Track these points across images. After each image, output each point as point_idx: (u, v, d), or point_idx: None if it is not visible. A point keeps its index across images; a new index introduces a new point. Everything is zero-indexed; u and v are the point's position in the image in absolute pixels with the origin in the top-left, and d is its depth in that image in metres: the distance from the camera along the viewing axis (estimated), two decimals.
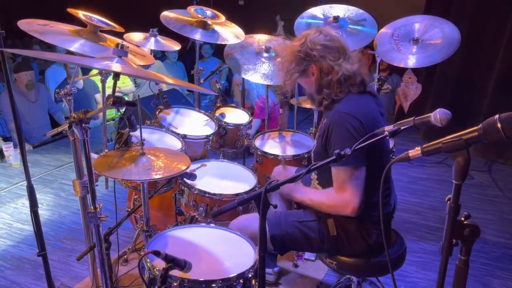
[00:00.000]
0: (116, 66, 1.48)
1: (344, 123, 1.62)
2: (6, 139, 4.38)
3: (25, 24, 1.70)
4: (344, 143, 1.53)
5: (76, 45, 1.75)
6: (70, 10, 1.90)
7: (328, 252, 1.84)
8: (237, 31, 2.84)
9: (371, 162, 1.64)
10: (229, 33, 2.79)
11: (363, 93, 1.74)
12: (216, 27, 2.76)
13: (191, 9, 2.68)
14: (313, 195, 1.82)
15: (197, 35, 2.66)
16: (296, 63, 1.75)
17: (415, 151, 1.07)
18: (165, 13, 2.70)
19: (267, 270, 2.34)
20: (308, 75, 1.76)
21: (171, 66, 5.82)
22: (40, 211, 2.00)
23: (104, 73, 2.43)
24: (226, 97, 2.96)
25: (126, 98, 1.72)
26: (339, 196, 1.66)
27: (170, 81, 1.68)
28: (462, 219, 1.03)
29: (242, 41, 2.80)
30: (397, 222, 2.20)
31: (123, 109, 1.70)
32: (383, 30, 2.98)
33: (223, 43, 2.76)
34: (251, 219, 1.88)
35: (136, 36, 2.78)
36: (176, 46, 2.89)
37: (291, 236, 1.81)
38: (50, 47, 6.12)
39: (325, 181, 1.80)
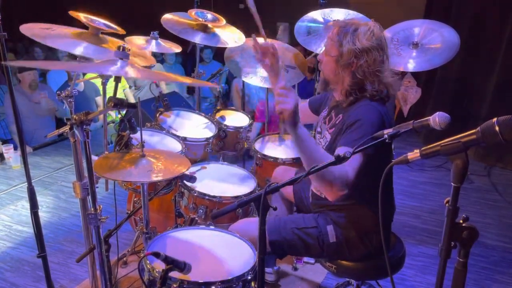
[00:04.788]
0: (128, 70, 1.46)
1: (378, 114, 1.62)
2: (5, 142, 4.38)
3: (27, 29, 1.70)
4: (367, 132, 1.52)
5: (77, 48, 1.76)
6: (71, 12, 1.91)
7: (328, 258, 1.84)
8: (237, 36, 2.82)
9: (378, 164, 1.60)
10: (229, 37, 2.79)
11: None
12: (217, 30, 2.77)
13: (192, 12, 2.69)
14: (319, 149, 1.58)
15: (197, 38, 2.65)
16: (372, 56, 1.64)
17: (414, 154, 1.07)
18: (166, 16, 2.71)
19: (267, 269, 2.33)
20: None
21: (170, 68, 5.83)
22: (39, 213, 2.00)
23: (105, 76, 2.43)
24: (227, 100, 2.96)
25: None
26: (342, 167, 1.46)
27: (188, 80, 1.63)
28: (461, 221, 1.03)
29: (242, 44, 2.81)
30: (397, 225, 2.20)
31: (124, 111, 1.70)
32: None
33: (223, 46, 2.76)
34: (251, 224, 1.86)
35: (137, 39, 2.79)
36: (176, 49, 2.90)
37: (290, 243, 1.79)
38: (51, 49, 6.13)
39: None
